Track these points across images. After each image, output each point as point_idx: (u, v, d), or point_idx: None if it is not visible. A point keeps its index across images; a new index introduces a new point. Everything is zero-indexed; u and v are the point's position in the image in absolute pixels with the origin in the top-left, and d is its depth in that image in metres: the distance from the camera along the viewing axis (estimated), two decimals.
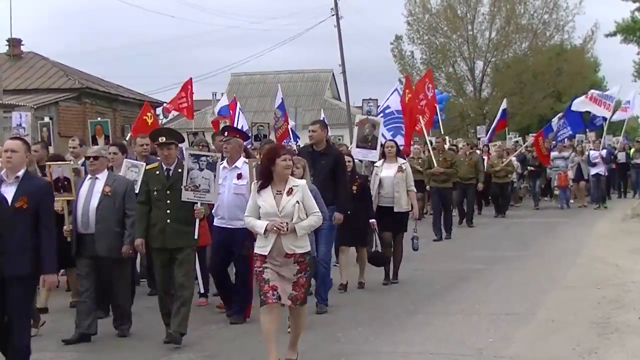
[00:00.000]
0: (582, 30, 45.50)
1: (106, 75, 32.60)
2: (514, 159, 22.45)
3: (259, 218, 6.67)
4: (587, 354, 7.03)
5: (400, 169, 10.92)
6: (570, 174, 22.87)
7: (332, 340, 7.80)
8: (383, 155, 11.45)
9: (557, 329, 8.02)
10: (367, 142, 12.26)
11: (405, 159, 11.51)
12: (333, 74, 47.58)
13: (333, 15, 39.77)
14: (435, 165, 16.34)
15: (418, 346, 7.49)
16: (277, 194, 6.66)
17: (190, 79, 16.80)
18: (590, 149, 23.54)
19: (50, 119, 22.06)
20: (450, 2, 43.97)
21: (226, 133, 8.87)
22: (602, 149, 22.99)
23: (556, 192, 23.58)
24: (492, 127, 27.86)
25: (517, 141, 29.65)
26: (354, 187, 10.16)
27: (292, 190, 6.66)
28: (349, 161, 10.32)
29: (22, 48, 33.11)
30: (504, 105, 27.08)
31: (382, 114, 15.74)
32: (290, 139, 16.88)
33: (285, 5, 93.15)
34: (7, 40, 32.71)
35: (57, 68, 31.75)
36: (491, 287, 10.59)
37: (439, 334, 7.94)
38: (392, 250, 10.91)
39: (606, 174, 22.85)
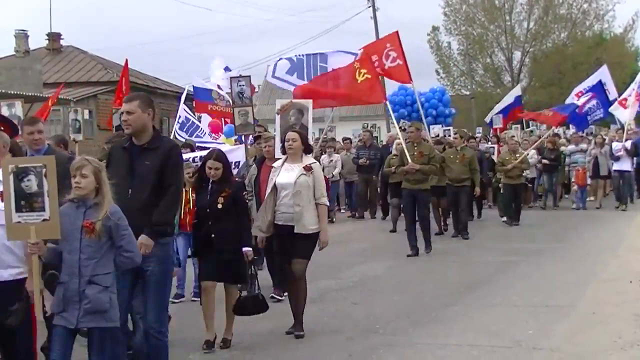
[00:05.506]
0: (623, 19, 45.04)
1: (143, 69, 32.78)
2: (533, 152, 19.00)
3: None
4: (629, 347, 6.94)
5: (306, 170, 7.61)
6: (589, 170, 19.75)
7: (371, 331, 7.78)
8: (283, 151, 8.01)
9: (598, 322, 7.93)
10: None
11: (315, 160, 7.99)
12: None
13: (369, 7, 39.70)
14: (409, 160, 12.60)
15: (456, 338, 7.45)
16: None
17: (126, 60, 14.52)
18: (615, 140, 20.02)
19: (90, 112, 22.41)
20: None
21: None
22: (627, 140, 19.36)
23: (574, 187, 20.22)
24: (495, 116, 22.89)
25: (531, 131, 27.45)
26: (220, 200, 7.24)
27: None
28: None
29: (62, 42, 33.52)
30: (517, 91, 23.92)
31: None
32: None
33: None
34: (47, 35, 33.15)
35: (96, 61, 32.05)
36: (529, 279, 10.48)
37: (477, 326, 7.88)
38: (293, 289, 7.76)
39: (631, 169, 19.36)
